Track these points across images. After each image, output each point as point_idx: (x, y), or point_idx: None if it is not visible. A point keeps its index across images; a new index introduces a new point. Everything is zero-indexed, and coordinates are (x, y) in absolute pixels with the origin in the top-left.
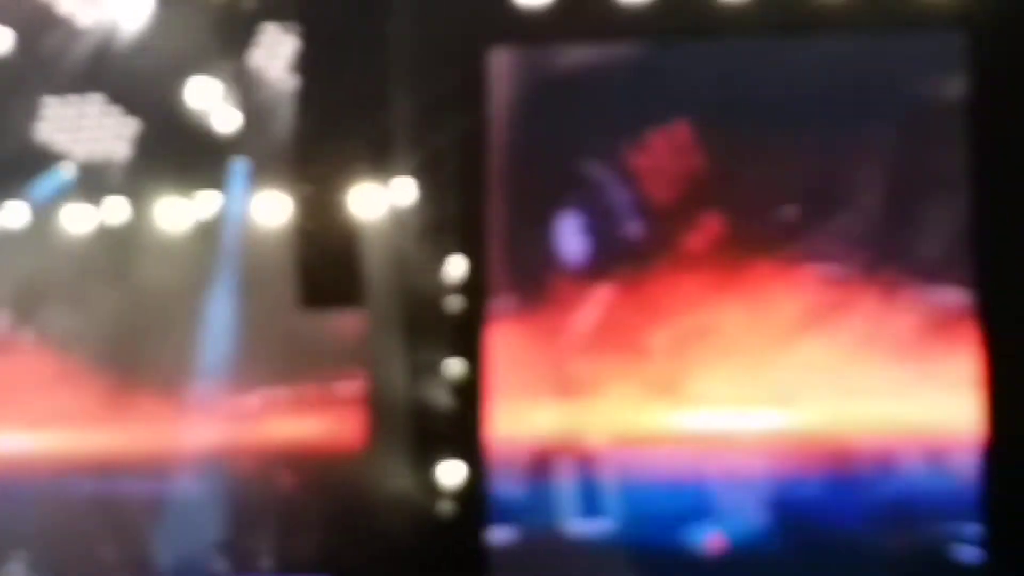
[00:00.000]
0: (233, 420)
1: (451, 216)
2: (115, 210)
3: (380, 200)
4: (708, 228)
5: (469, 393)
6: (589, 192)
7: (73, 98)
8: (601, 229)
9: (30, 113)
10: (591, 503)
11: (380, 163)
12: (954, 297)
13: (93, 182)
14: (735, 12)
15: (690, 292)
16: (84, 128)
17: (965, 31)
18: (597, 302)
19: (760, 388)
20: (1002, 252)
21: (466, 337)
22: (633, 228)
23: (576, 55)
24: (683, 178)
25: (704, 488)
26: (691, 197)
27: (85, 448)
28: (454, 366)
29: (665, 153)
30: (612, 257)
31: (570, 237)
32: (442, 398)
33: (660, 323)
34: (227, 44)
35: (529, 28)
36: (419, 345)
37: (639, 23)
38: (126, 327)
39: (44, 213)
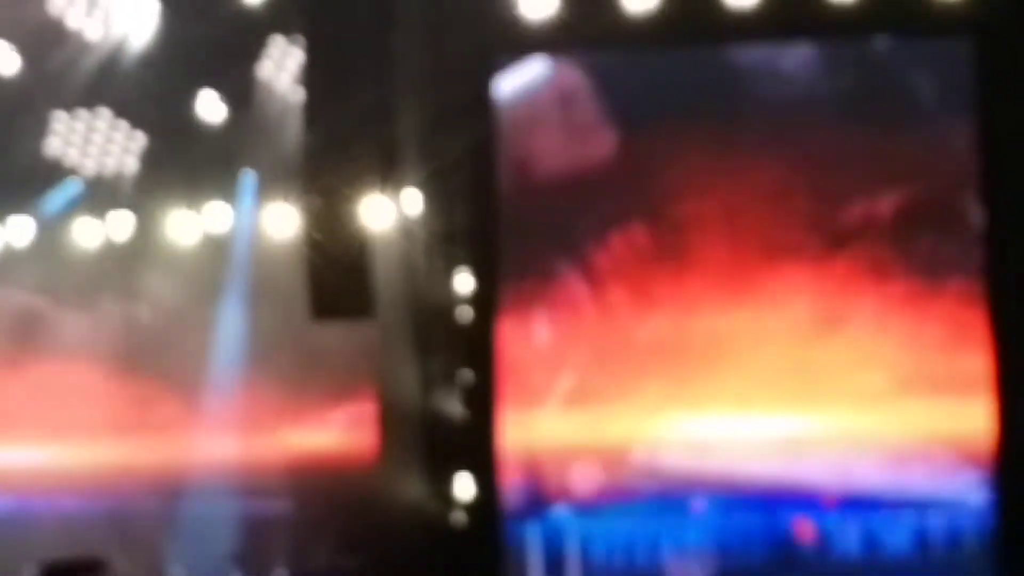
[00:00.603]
0: (246, 432)
1: (460, 227)
2: (124, 224)
3: (389, 211)
4: (657, 320)
5: (480, 403)
6: (555, 287)
7: (82, 113)
8: (563, 321)
9: (40, 128)
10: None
11: (389, 175)
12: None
13: (103, 196)
14: (742, 17)
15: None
16: (93, 142)
17: (974, 36)
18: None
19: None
20: (1015, 256)
21: (477, 347)
22: (591, 319)
23: (554, 161)
24: (637, 275)
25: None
26: (643, 292)
27: (97, 461)
28: (465, 376)
29: (623, 252)
30: (571, 346)
31: (537, 327)
32: (454, 408)
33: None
34: (235, 57)
35: (536, 39)
36: (430, 355)
37: (644, 32)
38: (137, 340)
39: (55, 227)
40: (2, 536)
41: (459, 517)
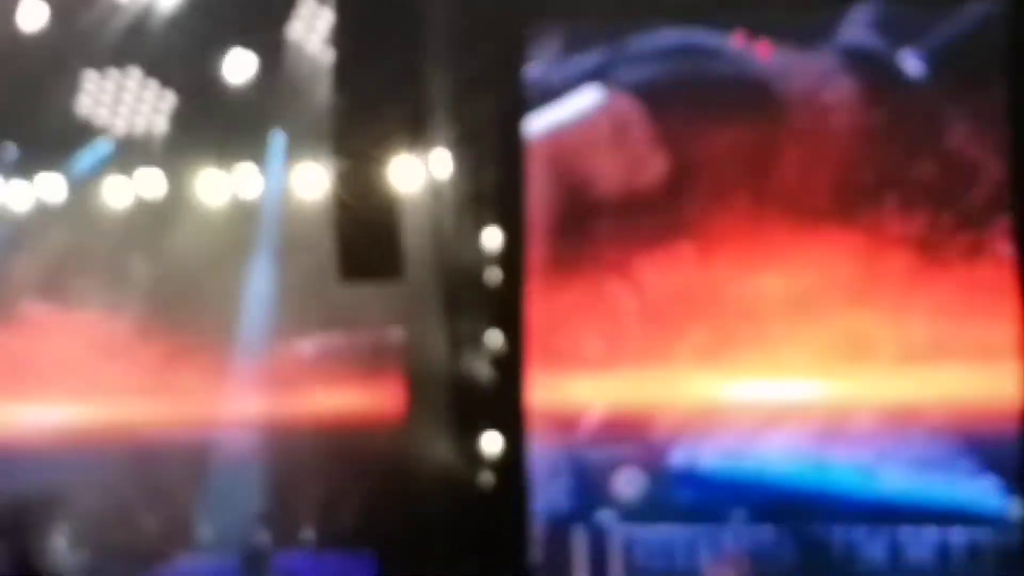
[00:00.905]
0: (274, 392)
1: (488, 188)
2: (154, 183)
3: (418, 172)
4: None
5: (508, 364)
6: (604, 301)
7: (112, 72)
8: (610, 332)
9: (70, 87)
10: None
11: (418, 136)
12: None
13: (133, 155)
14: None
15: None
16: (123, 102)
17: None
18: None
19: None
20: None
21: (505, 308)
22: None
23: (606, 185)
24: (681, 287)
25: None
26: (685, 302)
27: (126, 420)
28: (493, 337)
29: (668, 265)
30: (616, 355)
31: (585, 338)
32: (481, 369)
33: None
34: (265, 18)
35: (565, 3)
36: (458, 316)
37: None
38: (166, 299)
39: (85, 186)
40: (31, 495)
41: (486, 478)
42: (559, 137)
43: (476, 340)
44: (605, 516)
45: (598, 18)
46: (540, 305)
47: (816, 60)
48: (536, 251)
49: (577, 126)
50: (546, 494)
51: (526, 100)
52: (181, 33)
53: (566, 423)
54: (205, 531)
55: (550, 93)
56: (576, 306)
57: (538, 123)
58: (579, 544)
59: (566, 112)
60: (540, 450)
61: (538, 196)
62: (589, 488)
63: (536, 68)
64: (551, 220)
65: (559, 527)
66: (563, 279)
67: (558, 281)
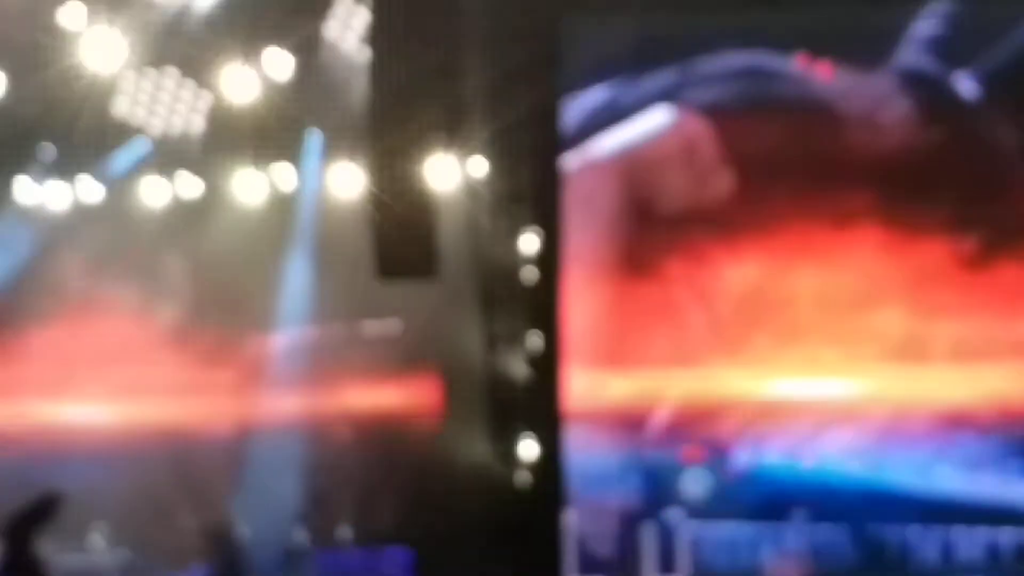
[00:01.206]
0: (311, 391)
1: (524, 187)
2: (191, 183)
3: (454, 171)
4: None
5: (545, 363)
6: (670, 304)
7: (150, 72)
8: (674, 333)
9: (108, 87)
10: None
11: (454, 134)
12: None
13: (170, 155)
14: None
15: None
16: (161, 102)
17: None
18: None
19: None
20: None
21: (541, 307)
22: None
23: (672, 197)
24: (743, 290)
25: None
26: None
27: (163, 419)
28: (531, 338)
29: (731, 270)
30: (681, 356)
31: (650, 340)
32: (518, 368)
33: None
34: (301, 17)
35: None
36: (494, 315)
37: None
38: (203, 299)
39: (122, 186)
40: (69, 495)
41: (523, 477)
42: (629, 154)
43: (512, 339)
44: (673, 514)
45: (633, 12)
46: (605, 306)
47: (875, 82)
48: (603, 256)
49: (646, 144)
50: (616, 492)
51: (562, 96)
52: (217, 33)
53: (635, 422)
54: (243, 530)
55: (620, 113)
56: (643, 308)
57: (609, 142)
58: (648, 540)
59: (636, 131)
60: (609, 448)
61: (604, 208)
62: (657, 486)
63: (607, 89)
64: (614, 228)
65: (629, 524)
66: (631, 281)
67: (625, 283)
